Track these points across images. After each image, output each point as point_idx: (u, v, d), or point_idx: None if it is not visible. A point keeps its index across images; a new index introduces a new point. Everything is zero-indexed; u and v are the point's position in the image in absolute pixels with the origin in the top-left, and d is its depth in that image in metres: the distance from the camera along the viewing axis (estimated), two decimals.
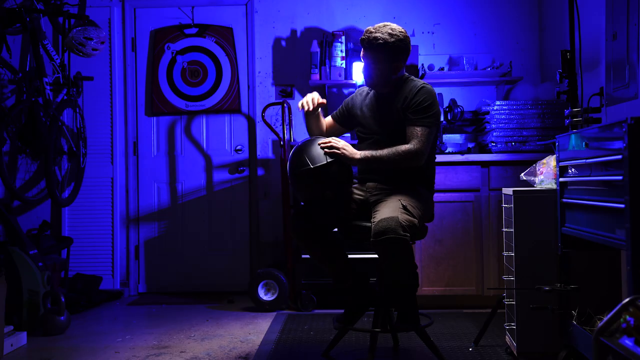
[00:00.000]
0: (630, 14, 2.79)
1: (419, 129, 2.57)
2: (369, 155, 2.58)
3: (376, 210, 2.49)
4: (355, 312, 2.69)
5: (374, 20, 4.43)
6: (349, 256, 2.71)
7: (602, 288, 2.53)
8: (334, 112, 2.91)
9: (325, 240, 2.62)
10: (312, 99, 2.72)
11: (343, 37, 4.21)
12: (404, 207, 2.45)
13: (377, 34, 2.59)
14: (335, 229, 2.71)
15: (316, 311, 3.82)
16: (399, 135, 2.62)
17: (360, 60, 2.77)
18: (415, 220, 2.45)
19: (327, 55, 4.22)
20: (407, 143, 2.58)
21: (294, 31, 4.54)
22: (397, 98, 2.66)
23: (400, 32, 2.61)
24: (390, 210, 2.42)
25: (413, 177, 2.66)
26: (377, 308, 2.66)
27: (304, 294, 3.81)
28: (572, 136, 2.37)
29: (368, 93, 2.82)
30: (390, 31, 2.59)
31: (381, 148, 2.60)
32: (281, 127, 4.43)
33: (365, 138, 2.76)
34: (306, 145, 2.62)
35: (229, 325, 3.54)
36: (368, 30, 2.63)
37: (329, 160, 2.56)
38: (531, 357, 2.67)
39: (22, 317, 3.36)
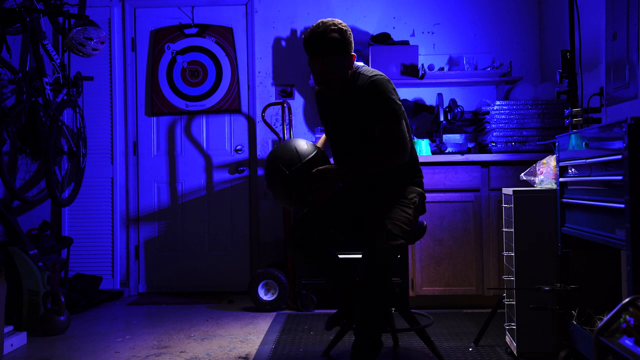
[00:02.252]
0: (630, 14, 2.78)
1: (385, 126, 2.43)
2: (351, 169, 2.48)
3: (364, 229, 2.37)
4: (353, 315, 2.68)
5: (373, 20, 4.50)
6: (349, 256, 2.70)
7: (602, 288, 2.54)
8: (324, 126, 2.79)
9: (323, 256, 2.57)
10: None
11: None
12: (390, 229, 2.30)
13: (319, 35, 2.41)
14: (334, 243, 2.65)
15: (316, 311, 3.82)
16: (365, 135, 2.50)
17: None
18: (402, 240, 2.32)
19: None
20: (380, 142, 2.44)
21: (294, 31, 4.54)
22: (352, 97, 2.50)
23: (339, 22, 2.44)
24: (376, 235, 2.29)
25: (397, 176, 2.56)
26: None
27: (304, 294, 3.81)
28: (572, 136, 2.37)
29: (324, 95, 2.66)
30: (331, 26, 2.41)
31: (350, 151, 2.53)
32: (281, 127, 4.43)
33: (332, 141, 2.68)
34: (276, 152, 2.50)
35: (229, 325, 3.54)
36: (307, 36, 2.44)
37: (299, 151, 2.43)
38: (531, 357, 2.67)
39: (22, 317, 3.36)
